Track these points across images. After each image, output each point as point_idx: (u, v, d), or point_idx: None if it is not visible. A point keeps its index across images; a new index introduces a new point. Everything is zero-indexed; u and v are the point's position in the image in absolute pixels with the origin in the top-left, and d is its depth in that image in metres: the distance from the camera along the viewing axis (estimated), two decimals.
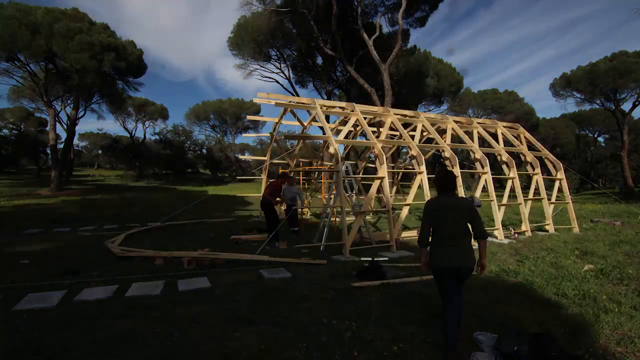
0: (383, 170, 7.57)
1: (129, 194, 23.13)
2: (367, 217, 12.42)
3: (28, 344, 2.96)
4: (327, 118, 10.89)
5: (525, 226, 9.03)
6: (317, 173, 13.60)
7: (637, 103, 26.95)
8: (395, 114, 9.53)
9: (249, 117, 13.04)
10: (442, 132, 10.48)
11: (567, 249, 7.05)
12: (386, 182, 7.63)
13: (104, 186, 30.77)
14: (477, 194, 8.87)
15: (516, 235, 8.69)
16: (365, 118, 9.61)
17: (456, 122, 10.28)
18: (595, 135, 47.68)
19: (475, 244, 3.02)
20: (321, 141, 13.44)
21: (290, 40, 23.58)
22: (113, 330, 3.22)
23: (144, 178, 39.54)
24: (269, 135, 12.48)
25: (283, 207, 9.30)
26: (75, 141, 41.62)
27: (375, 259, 5.70)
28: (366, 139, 8.83)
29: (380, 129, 9.96)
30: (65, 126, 28.53)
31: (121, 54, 23.55)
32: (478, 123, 10.57)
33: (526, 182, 17.69)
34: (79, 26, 21.27)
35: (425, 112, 15.98)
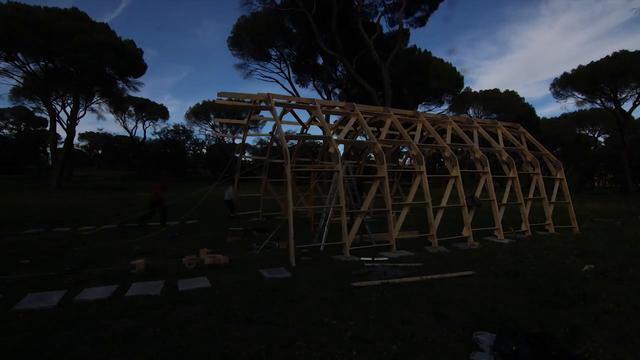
0: (383, 170, 7.57)
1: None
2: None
3: (28, 344, 2.96)
4: (327, 118, 10.87)
5: (525, 226, 9.03)
6: (317, 172, 13.59)
7: (637, 103, 26.96)
8: (395, 113, 9.52)
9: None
10: (442, 132, 10.46)
11: (567, 248, 7.05)
12: (386, 182, 7.62)
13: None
14: (477, 193, 8.87)
15: (516, 235, 8.69)
16: (365, 118, 9.60)
17: (456, 121, 10.27)
18: (596, 135, 47.68)
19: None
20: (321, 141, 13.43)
21: (290, 40, 23.59)
22: (113, 330, 3.21)
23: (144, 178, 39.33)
24: (269, 135, 12.50)
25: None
26: (75, 141, 41.61)
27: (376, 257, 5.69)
28: (366, 139, 8.82)
29: (380, 129, 9.95)
30: (65, 126, 28.55)
31: (121, 54, 23.57)
32: (478, 123, 10.55)
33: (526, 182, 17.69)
34: (78, 25, 21.28)
35: (425, 111, 15.98)
